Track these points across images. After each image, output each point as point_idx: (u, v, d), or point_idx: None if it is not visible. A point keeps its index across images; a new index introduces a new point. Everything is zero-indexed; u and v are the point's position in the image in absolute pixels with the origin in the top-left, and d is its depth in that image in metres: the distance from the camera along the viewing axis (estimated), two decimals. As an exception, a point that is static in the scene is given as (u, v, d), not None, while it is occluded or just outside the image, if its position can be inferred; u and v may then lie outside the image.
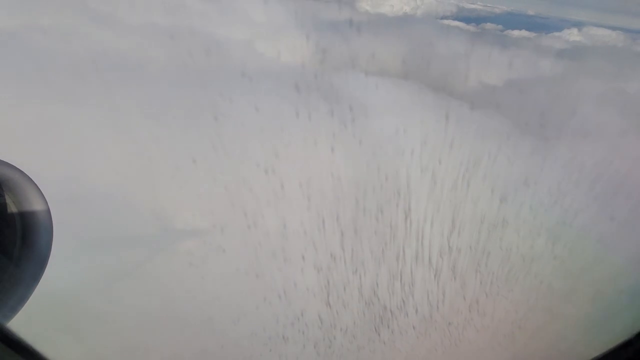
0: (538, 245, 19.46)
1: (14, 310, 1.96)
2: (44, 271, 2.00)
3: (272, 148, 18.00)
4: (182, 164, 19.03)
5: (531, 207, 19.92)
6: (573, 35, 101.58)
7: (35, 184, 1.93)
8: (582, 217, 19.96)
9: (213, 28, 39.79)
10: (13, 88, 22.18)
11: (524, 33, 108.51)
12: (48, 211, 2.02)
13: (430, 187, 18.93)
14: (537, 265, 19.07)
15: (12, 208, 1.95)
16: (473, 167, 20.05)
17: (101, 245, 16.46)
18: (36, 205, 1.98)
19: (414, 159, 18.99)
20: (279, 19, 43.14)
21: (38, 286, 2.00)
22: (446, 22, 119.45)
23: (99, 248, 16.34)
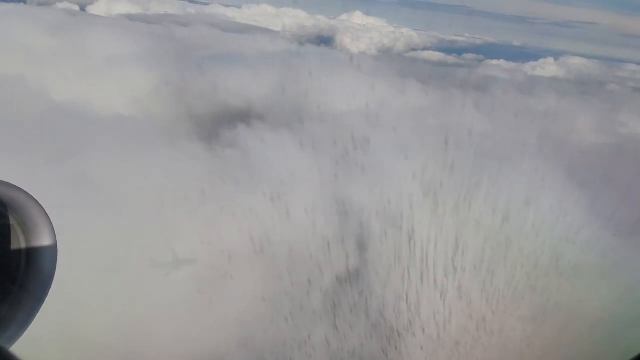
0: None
1: (17, 334, 1.81)
2: (47, 295, 1.88)
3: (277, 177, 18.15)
4: (191, 194, 19.06)
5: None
6: (549, 64, 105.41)
7: (41, 206, 1.82)
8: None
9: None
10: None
11: (502, 62, 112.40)
12: (53, 233, 1.88)
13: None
14: (543, 283, 18.57)
15: (17, 230, 1.83)
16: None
17: (108, 268, 15.89)
18: (41, 228, 1.84)
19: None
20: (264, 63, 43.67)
21: (40, 311, 1.86)
22: (426, 53, 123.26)
23: (106, 271, 15.80)
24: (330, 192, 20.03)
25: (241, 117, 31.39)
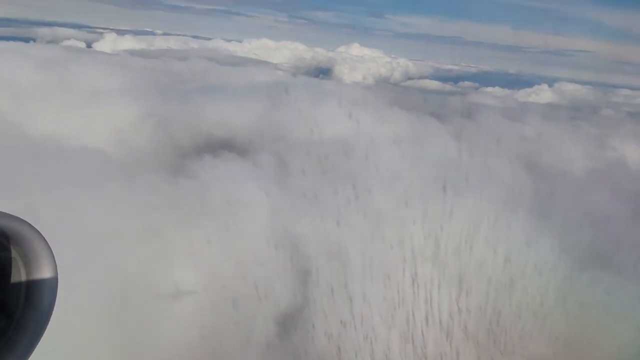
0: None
1: None
2: (43, 332, 1.85)
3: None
4: (197, 244, 19.16)
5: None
6: (543, 91, 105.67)
7: (43, 238, 1.81)
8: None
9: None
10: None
11: (496, 89, 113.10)
12: (55, 269, 1.88)
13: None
14: (550, 321, 18.17)
15: (18, 263, 1.78)
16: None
17: (110, 313, 15.61)
18: (43, 262, 1.80)
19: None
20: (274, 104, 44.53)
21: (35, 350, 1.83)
22: (423, 81, 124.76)
23: (108, 315, 15.50)
24: (283, 224, 19.79)
25: (213, 147, 31.46)
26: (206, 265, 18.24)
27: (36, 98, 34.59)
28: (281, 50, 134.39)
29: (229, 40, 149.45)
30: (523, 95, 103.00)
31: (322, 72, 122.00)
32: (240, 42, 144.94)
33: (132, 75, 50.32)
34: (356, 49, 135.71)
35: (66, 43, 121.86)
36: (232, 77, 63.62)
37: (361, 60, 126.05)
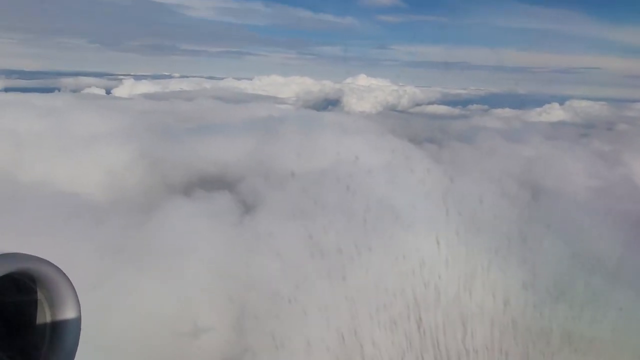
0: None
1: None
2: None
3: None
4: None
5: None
6: (554, 109, 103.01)
7: (69, 280, 1.81)
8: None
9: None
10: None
11: (506, 111, 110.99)
12: (79, 312, 1.86)
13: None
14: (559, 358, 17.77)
15: (43, 307, 1.83)
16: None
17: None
18: (68, 304, 1.84)
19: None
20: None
21: None
22: (431, 107, 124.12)
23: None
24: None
25: (191, 185, 31.28)
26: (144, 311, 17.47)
27: (30, 146, 35.58)
28: (290, 85, 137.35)
29: (239, 79, 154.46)
30: (534, 115, 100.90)
31: (331, 103, 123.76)
32: (251, 79, 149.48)
33: (134, 118, 51.56)
34: (363, 80, 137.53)
35: (87, 90, 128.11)
36: (233, 114, 64.63)
37: (368, 90, 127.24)
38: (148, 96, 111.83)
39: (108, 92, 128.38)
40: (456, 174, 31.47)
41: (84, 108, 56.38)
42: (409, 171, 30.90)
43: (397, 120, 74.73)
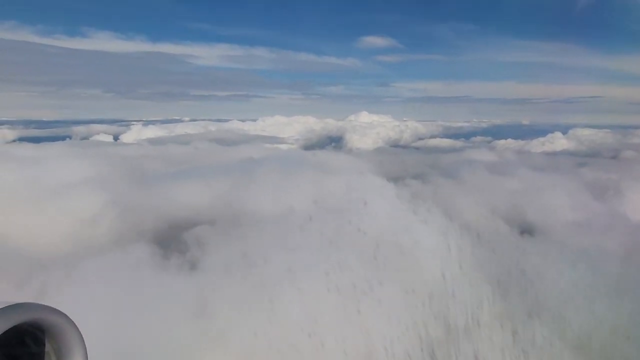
0: None
1: None
2: None
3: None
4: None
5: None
6: (558, 139, 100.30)
7: (78, 330, 1.79)
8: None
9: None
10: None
11: (509, 142, 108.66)
12: (86, 358, 1.88)
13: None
14: None
15: (51, 356, 1.80)
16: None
17: None
18: (75, 354, 1.83)
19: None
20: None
21: None
22: (434, 140, 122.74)
23: None
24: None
25: (160, 233, 30.00)
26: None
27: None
28: (292, 124, 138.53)
29: (244, 121, 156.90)
30: (537, 145, 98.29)
31: (333, 140, 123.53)
32: (255, 121, 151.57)
33: (118, 164, 51.39)
34: (365, 116, 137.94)
35: (95, 137, 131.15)
36: (222, 156, 64.33)
37: (370, 126, 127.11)
38: (152, 141, 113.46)
39: (116, 138, 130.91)
40: (432, 209, 29.62)
41: (73, 156, 56.59)
42: (384, 209, 29.35)
43: (391, 156, 73.17)
